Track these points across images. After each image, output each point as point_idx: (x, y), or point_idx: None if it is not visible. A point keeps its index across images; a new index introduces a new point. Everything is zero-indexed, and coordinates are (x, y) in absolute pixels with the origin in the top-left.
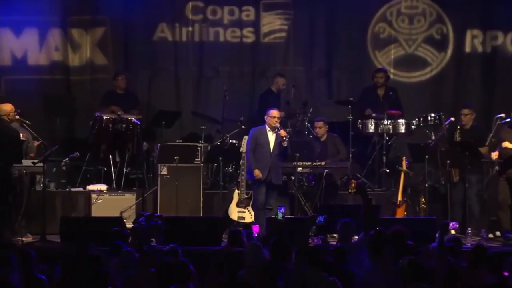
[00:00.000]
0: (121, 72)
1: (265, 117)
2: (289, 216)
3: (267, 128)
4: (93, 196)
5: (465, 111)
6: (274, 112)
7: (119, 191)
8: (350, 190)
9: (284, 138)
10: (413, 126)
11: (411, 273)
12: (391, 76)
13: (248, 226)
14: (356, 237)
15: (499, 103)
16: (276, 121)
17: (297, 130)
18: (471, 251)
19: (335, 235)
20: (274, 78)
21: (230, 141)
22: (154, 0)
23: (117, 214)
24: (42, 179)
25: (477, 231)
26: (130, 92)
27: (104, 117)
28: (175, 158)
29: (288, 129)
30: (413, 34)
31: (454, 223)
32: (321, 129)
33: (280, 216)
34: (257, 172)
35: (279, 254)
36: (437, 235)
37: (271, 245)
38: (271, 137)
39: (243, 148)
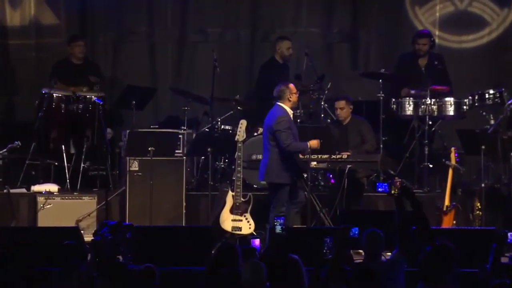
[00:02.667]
0: (78, 36)
1: (287, 95)
2: (299, 226)
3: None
4: (40, 199)
5: None
6: (292, 86)
7: (75, 193)
8: (392, 191)
9: None
10: (465, 107)
11: None
12: (436, 41)
13: (246, 239)
14: (389, 253)
15: None
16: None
17: (311, 112)
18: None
19: (360, 251)
20: (276, 43)
21: (222, 126)
22: None
23: (72, 224)
24: None
25: None
26: (90, 62)
27: (55, 94)
28: (149, 149)
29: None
30: None
31: None
32: (343, 110)
33: (278, 229)
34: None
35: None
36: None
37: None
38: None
39: (239, 136)
